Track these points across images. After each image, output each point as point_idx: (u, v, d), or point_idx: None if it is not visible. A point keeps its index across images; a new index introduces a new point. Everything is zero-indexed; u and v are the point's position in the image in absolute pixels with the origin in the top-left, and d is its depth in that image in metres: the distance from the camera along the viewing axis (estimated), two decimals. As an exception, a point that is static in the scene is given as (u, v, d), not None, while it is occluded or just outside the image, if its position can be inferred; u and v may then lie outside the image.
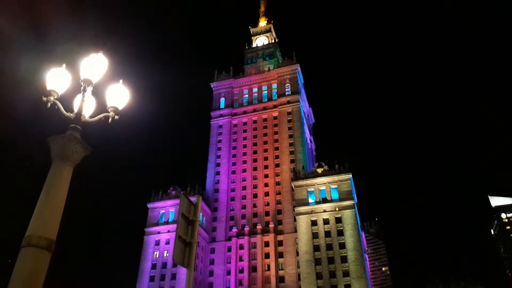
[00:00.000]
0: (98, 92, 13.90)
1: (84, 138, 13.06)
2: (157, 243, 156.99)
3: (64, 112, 12.98)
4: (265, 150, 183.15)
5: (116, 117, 13.42)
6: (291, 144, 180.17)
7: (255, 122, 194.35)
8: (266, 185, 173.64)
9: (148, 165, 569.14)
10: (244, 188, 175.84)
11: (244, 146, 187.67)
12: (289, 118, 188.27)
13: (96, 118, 13.39)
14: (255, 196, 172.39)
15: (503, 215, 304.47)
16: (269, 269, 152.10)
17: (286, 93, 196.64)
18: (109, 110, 13.42)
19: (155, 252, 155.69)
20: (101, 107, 13.82)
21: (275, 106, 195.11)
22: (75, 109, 13.24)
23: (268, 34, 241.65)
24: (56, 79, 13.11)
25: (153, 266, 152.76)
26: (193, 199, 9.67)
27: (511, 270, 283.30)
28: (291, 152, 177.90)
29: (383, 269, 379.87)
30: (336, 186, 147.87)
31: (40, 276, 10.36)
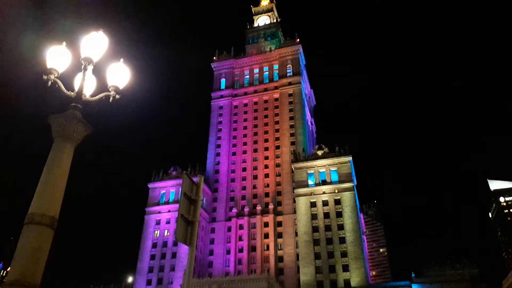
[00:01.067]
0: (98, 71, 13.80)
1: (85, 118, 13.03)
2: (158, 222, 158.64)
3: (65, 90, 12.91)
4: (266, 132, 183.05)
5: (117, 96, 13.35)
6: (291, 126, 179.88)
7: (256, 103, 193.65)
8: (266, 166, 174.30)
9: (149, 146, 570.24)
10: (244, 169, 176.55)
11: (245, 127, 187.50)
12: (290, 100, 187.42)
13: (97, 97, 13.33)
14: (255, 177, 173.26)
15: (502, 199, 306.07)
16: (268, 249, 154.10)
17: (288, 74, 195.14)
18: (110, 89, 13.33)
19: (156, 232, 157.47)
20: (102, 86, 13.75)
21: (276, 88, 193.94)
22: (76, 88, 13.16)
23: (270, 14, 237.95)
24: (56, 58, 12.98)
25: (154, 245, 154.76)
26: (195, 179, 9.76)
27: (507, 253, 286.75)
28: (292, 134, 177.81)
29: (381, 250, 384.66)
30: (336, 169, 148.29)
31: (43, 253, 10.49)
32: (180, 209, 7.99)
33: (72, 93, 12.92)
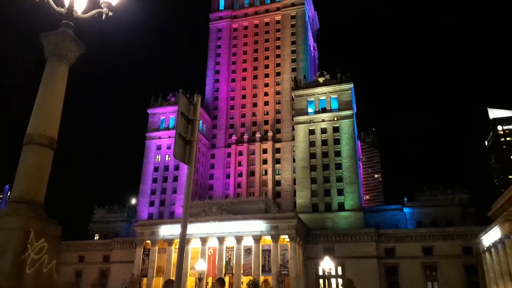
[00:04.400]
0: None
1: (78, 36, 12.47)
2: (159, 147, 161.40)
3: (55, 6, 12.20)
4: (266, 58, 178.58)
5: (110, 13, 12.66)
6: (293, 52, 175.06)
7: (256, 26, 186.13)
8: (266, 94, 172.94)
9: (146, 70, 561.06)
10: (243, 96, 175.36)
11: (245, 52, 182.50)
12: (292, 23, 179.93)
13: (89, 14, 12.64)
14: (254, 105, 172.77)
15: (499, 127, 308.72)
16: (266, 174, 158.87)
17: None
18: (102, 5, 12.59)
19: (157, 156, 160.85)
20: (94, 3, 12.97)
21: (278, 9, 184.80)
22: (66, 4, 12.43)
23: None
24: (42, -31, 12.05)
25: (156, 169, 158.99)
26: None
27: (499, 180, 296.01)
28: (293, 60, 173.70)
29: (376, 176, 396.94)
30: (336, 96, 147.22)
31: (44, 172, 10.64)
32: (177, 128, 7.92)
33: (62, 9, 12.24)
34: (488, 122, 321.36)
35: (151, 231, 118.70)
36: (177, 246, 7.98)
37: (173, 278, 11.66)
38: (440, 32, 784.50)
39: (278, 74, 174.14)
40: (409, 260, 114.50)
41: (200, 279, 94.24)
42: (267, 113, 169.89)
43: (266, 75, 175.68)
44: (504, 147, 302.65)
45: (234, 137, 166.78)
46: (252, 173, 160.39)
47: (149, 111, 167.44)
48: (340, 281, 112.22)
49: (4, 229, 9.23)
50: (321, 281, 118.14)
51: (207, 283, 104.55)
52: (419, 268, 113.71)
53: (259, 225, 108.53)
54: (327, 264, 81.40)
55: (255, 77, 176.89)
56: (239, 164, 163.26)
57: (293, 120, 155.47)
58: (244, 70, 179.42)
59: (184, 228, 7.97)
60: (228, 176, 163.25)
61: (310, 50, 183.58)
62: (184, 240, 7.77)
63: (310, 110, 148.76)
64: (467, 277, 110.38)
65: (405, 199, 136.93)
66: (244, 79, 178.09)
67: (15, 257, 8.93)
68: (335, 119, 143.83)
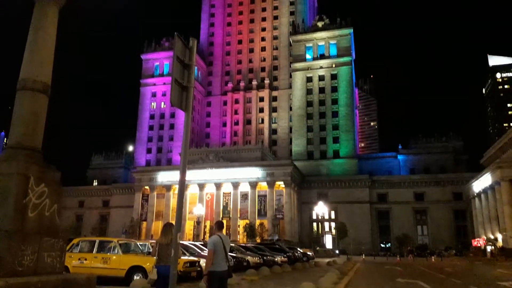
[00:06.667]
0: None
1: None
2: (154, 94, 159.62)
3: None
4: (263, 0, 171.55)
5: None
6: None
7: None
8: (263, 39, 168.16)
9: (139, 15, 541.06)
10: (240, 42, 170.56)
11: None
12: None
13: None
14: (251, 51, 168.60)
15: (498, 75, 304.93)
16: (263, 122, 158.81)
17: None
18: None
19: (153, 103, 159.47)
20: None
21: None
22: None
23: None
24: None
25: (152, 116, 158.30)
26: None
27: (493, 128, 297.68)
28: (292, 3, 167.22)
29: (372, 124, 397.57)
30: (335, 42, 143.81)
31: (40, 118, 10.57)
32: (173, 74, 7.75)
33: None
34: (487, 69, 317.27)
35: (150, 177, 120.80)
36: (175, 192, 8.10)
37: (172, 221, 12.03)
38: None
39: (275, 17, 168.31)
40: (401, 205, 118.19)
41: (198, 223, 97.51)
42: (264, 60, 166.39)
43: (263, 19, 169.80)
44: (502, 94, 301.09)
45: (230, 85, 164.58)
46: (248, 122, 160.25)
47: (143, 56, 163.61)
48: (333, 224, 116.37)
49: (3, 175, 9.32)
50: (314, 224, 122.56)
51: (205, 226, 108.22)
52: (410, 213, 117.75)
53: (255, 172, 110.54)
54: (320, 209, 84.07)
55: (252, 21, 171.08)
56: (236, 112, 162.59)
57: (290, 67, 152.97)
58: (241, 13, 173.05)
59: (183, 173, 8.07)
60: (224, 124, 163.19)
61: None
62: (183, 184, 7.88)
63: (308, 56, 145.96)
64: (456, 221, 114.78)
65: (400, 147, 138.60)
66: (240, 23, 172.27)
67: (16, 201, 9.11)
68: (333, 65, 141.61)
